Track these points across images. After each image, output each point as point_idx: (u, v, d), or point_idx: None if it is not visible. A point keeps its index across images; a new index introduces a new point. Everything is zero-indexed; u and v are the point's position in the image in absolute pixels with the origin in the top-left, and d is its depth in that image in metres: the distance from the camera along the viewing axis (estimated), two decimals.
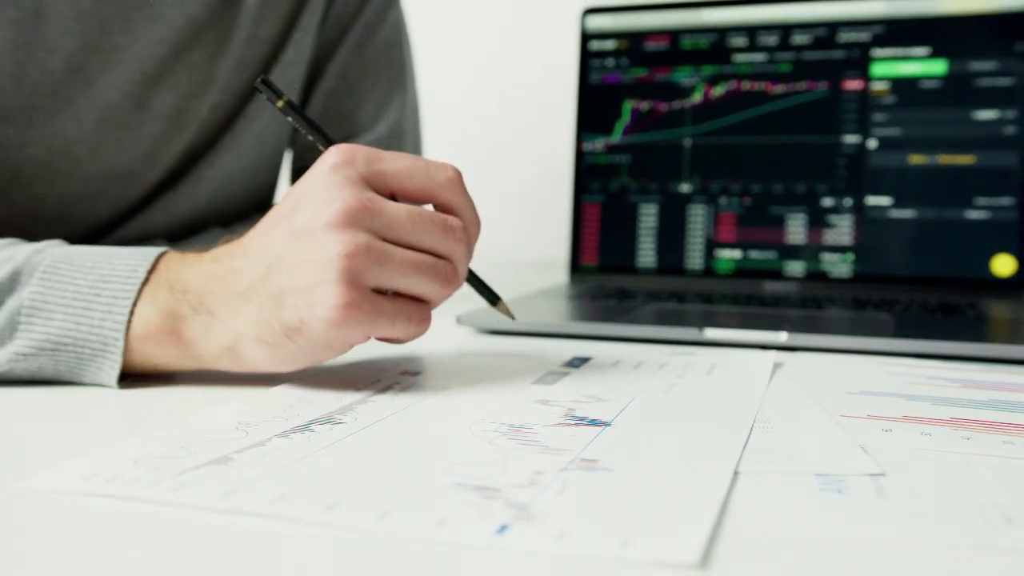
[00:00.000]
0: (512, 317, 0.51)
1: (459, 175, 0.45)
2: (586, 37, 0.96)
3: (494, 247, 1.23)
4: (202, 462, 0.31)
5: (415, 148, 0.83)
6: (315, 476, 0.30)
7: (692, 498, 0.28)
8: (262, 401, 0.41)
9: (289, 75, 0.72)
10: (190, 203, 0.69)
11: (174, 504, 0.28)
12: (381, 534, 0.25)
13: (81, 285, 0.43)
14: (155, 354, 0.43)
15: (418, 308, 0.43)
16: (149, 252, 0.44)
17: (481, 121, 1.33)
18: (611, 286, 0.86)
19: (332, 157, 0.42)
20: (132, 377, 0.44)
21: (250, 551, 0.25)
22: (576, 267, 0.94)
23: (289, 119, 0.48)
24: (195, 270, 0.43)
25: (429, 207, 0.45)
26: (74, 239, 0.50)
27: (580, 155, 0.95)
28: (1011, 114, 0.82)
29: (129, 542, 0.26)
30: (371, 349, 0.54)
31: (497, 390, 0.44)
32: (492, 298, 0.50)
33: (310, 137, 0.48)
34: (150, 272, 0.43)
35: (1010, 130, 0.83)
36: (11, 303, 0.43)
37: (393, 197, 0.43)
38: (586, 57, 0.96)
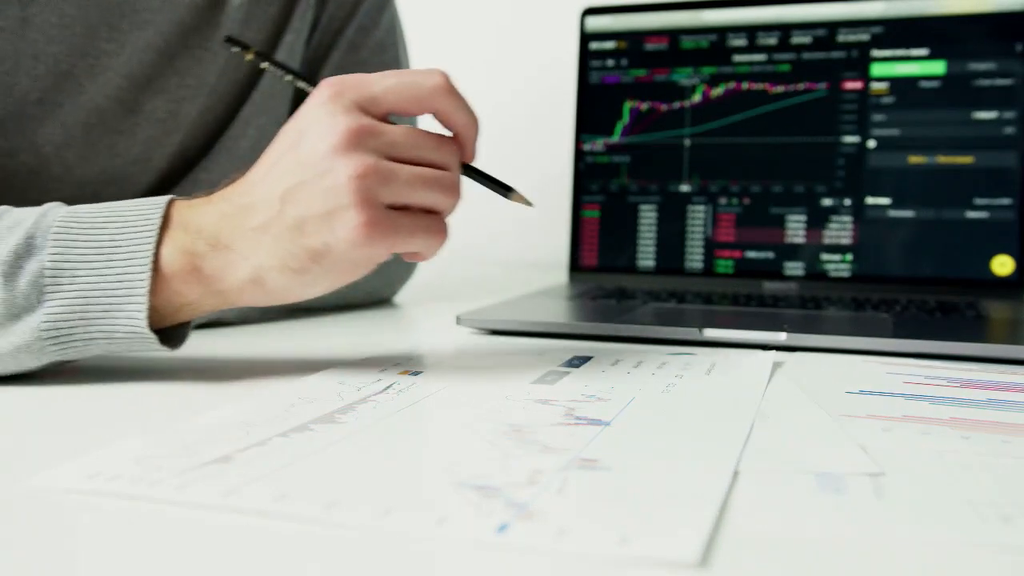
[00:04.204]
0: (529, 204, 0.50)
1: (447, 79, 0.45)
2: (586, 37, 0.96)
3: (494, 247, 1.23)
4: (204, 461, 0.31)
5: None
6: (316, 475, 0.30)
7: (691, 497, 0.28)
8: (263, 401, 0.41)
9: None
10: None
11: (176, 503, 0.28)
12: (381, 533, 0.26)
13: (101, 239, 0.43)
14: (179, 293, 0.44)
15: (433, 220, 0.45)
16: (158, 200, 0.45)
17: (481, 121, 1.32)
18: (611, 286, 0.86)
19: (323, 90, 0.44)
20: (177, 348, 0.45)
21: (251, 549, 0.25)
22: (576, 267, 0.94)
23: (265, 67, 0.49)
24: (205, 211, 0.45)
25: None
26: None
27: (580, 155, 0.95)
28: (1010, 114, 0.83)
29: (131, 541, 0.26)
30: (371, 349, 0.54)
31: (497, 390, 0.44)
32: (503, 189, 0.50)
33: (295, 83, 0.49)
34: (164, 218, 0.44)
35: (1009, 130, 0.83)
36: (32, 267, 0.43)
37: (387, 118, 0.45)
38: (586, 57, 0.96)
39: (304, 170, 0.42)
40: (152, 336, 0.43)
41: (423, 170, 0.44)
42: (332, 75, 0.76)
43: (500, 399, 0.42)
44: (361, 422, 0.37)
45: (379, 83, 0.44)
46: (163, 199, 0.45)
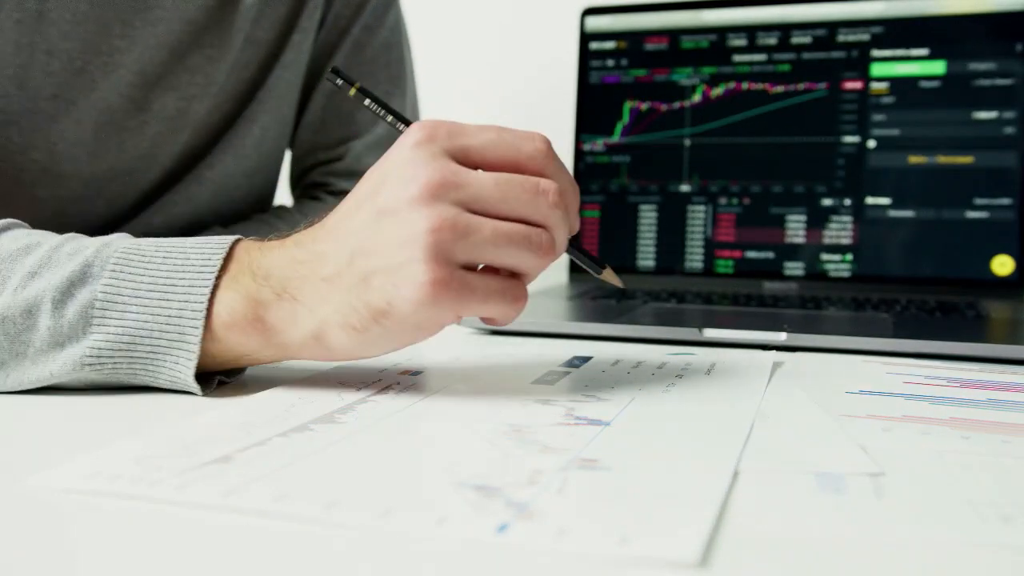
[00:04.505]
0: (621, 286, 0.48)
1: (548, 144, 0.42)
2: (586, 37, 0.96)
3: None
4: (204, 461, 0.31)
5: None
6: (316, 475, 0.30)
7: (691, 497, 0.28)
8: (263, 401, 0.41)
9: (288, 76, 0.72)
10: (189, 205, 0.69)
11: (176, 503, 0.28)
12: (381, 533, 0.26)
13: (156, 276, 0.41)
14: (240, 343, 0.41)
15: (512, 284, 0.41)
16: (223, 240, 0.42)
17: (481, 122, 1.32)
18: (611, 286, 0.86)
19: (414, 134, 0.41)
20: (216, 385, 0.43)
21: (251, 549, 0.25)
22: (576, 267, 0.94)
23: (368, 104, 0.46)
24: (276, 256, 0.42)
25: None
26: None
27: (580, 155, 0.95)
28: (1010, 114, 0.83)
29: (131, 541, 0.26)
30: None
31: (497, 390, 0.44)
32: (597, 266, 0.48)
33: (390, 122, 0.46)
34: (227, 259, 0.42)
35: (1009, 130, 0.83)
36: (83, 296, 0.40)
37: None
38: (586, 57, 0.96)
39: (380, 220, 0.39)
40: (196, 387, 0.41)
41: (510, 225, 0.39)
42: None
43: (500, 399, 0.42)
44: (361, 422, 0.37)
45: (475, 135, 0.41)
46: (228, 239, 0.42)
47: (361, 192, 0.41)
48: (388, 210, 0.39)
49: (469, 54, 1.34)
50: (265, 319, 0.41)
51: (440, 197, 0.38)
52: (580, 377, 0.47)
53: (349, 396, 0.42)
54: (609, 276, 0.48)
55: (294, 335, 0.41)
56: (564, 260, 0.95)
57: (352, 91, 0.46)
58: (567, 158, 0.96)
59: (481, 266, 0.41)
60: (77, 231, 0.65)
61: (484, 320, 0.42)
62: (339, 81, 0.46)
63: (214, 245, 0.42)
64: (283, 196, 0.83)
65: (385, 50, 0.78)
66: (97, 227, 0.66)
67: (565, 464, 0.31)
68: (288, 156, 0.82)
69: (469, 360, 0.53)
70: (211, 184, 0.70)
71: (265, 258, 0.42)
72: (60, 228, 0.64)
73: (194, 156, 0.69)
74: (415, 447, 0.35)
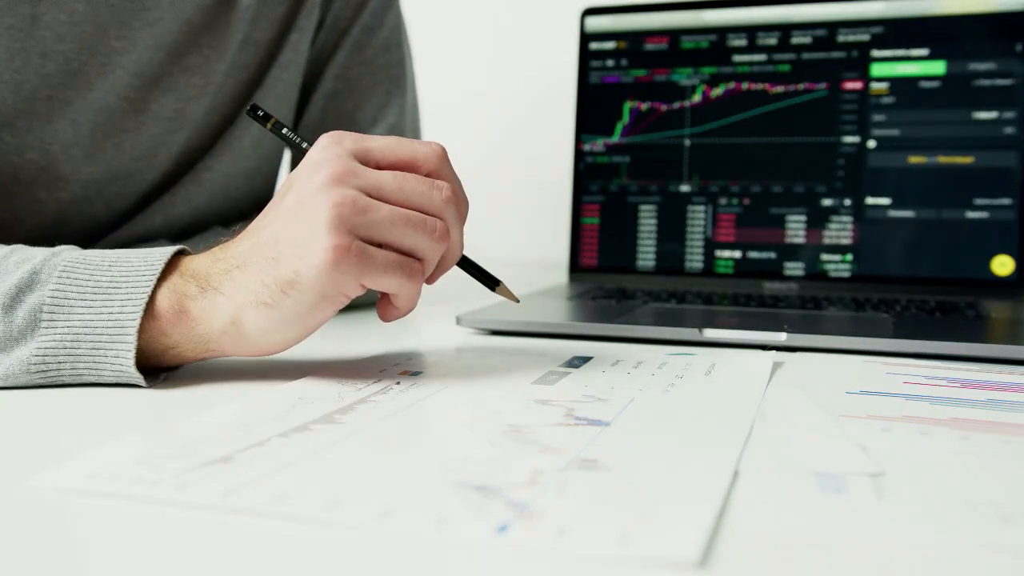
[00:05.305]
0: (515, 300, 0.51)
1: (444, 151, 0.46)
2: (586, 38, 0.96)
3: (494, 247, 1.23)
4: (203, 461, 0.31)
5: None
6: (315, 475, 0.30)
7: (691, 497, 0.28)
8: (263, 401, 0.41)
9: (286, 77, 0.72)
10: (188, 205, 0.69)
11: (176, 503, 0.28)
12: (381, 533, 0.26)
13: (100, 281, 0.44)
14: (165, 334, 0.43)
15: (410, 260, 0.44)
16: (166, 249, 0.45)
17: (481, 122, 1.33)
18: (611, 286, 0.86)
19: (322, 140, 0.45)
20: (163, 378, 0.45)
21: (251, 549, 0.25)
22: (576, 267, 0.94)
23: (285, 133, 0.51)
24: (203, 258, 0.45)
25: None
26: (72, 242, 0.50)
27: (580, 155, 0.95)
28: (1010, 114, 0.83)
29: (131, 541, 0.26)
30: (371, 349, 0.54)
31: (497, 390, 0.44)
32: (490, 282, 0.50)
33: (304, 148, 0.50)
34: (168, 266, 0.44)
35: (1009, 130, 0.83)
36: (32, 300, 0.43)
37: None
38: (586, 58, 0.96)
39: (290, 212, 0.43)
40: (139, 376, 0.43)
41: (407, 211, 0.44)
42: (337, 75, 0.76)
43: (500, 399, 0.42)
44: (361, 422, 0.37)
45: (376, 139, 0.45)
46: (171, 248, 0.45)
47: (277, 193, 0.46)
48: (296, 199, 0.43)
49: (469, 54, 1.34)
50: (189, 310, 0.43)
51: (344, 182, 0.43)
52: (580, 377, 0.47)
53: (349, 396, 0.42)
54: (504, 292, 0.51)
55: (214, 323, 0.43)
56: (564, 261, 0.95)
57: (268, 126, 0.51)
58: (567, 158, 0.96)
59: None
60: (79, 232, 0.65)
61: (385, 311, 0.46)
62: (260, 113, 0.51)
63: (157, 253, 0.45)
64: None
65: (385, 51, 0.78)
66: (98, 228, 0.66)
67: (565, 464, 0.31)
68: (288, 156, 0.82)
69: (469, 360, 0.53)
70: (210, 185, 0.70)
71: (193, 261, 0.45)
72: (61, 230, 0.64)
73: (192, 157, 0.69)
74: (415, 447, 0.35)
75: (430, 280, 0.47)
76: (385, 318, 0.47)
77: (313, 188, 0.42)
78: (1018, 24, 0.83)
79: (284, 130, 0.51)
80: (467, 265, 0.50)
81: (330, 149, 0.44)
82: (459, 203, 0.46)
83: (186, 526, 0.26)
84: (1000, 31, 0.83)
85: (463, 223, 0.47)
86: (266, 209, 0.45)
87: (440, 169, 0.46)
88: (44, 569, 0.24)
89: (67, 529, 0.26)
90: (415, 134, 0.83)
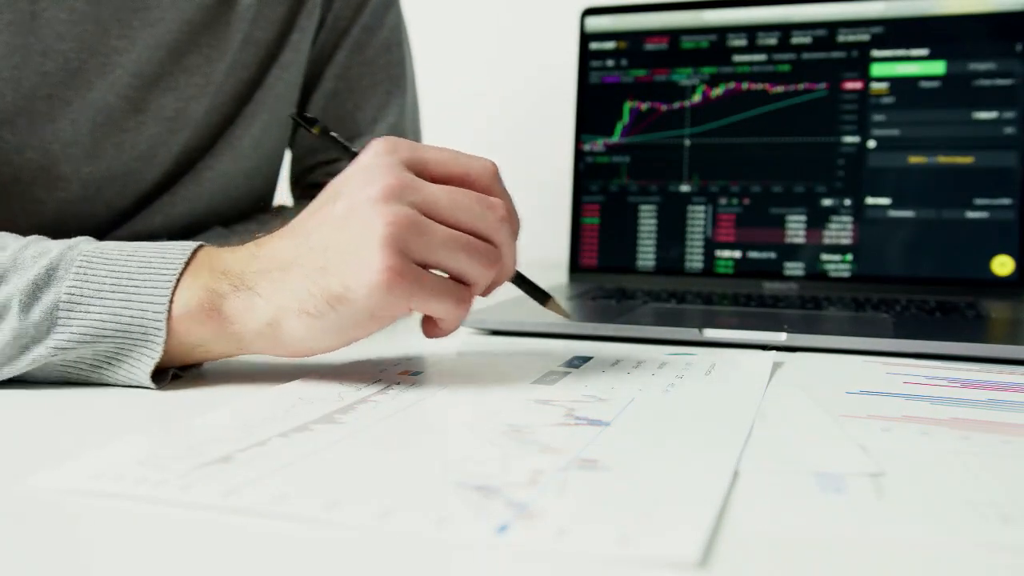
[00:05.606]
0: (567, 316, 0.50)
1: (496, 167, 0.45)
2: (586, 38, 0.96)
3: None
4: (205, 461, 0.31)
5: None
6: (316, 475, 0.30)
7: (692, 497, 0.28)
8: (263, 401, 0.41)
9: (287, 77, 0.72)
10: (188, 205, 0.69)
11: (177, 503, 0.28)
12: (381, 533, 0.26)
13: (120, 276, 0.43)
14: (193, 332, 0.42)
15: (460, 287, 0.44)
16: (185, 245, 0.44)
17: (481, 122, 1.33)
18: (611, 286, 0.86)
19: (375, 145, 0.43)
20: (175, 376, 0.45)
21: (251, 549, 0.25)
22: (576, 267, 0.94)
23: (335, 136, 0.49)
24: (235, 254, 0.44)
25: None
26: None
27: (580, 155, 0.95)
28: (1010, 114, 0.83)
29: (133, 541, 0.26)
30: (371, 349, 0.54)
31: (497, 390, 0.44)
32: (541, 297, 0.49)
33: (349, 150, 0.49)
34: (188, 262, 0.43)
35: (1009, 130, 0.83)
36: (48, 297, 0.42)
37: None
38: (586, 58, 0.96)
39: (340, 219, 0.42)
40: (151, 383, 0.43)
41: (462, 234, 0.42)
42: (338, 74, 0.77)
43: (500, 399, 0.42)
44: (361, 422, 0.37)
45: (431, 150, 0.44)
46: (191, 244, 0.44)
47: (324, 195, 0.44)
48: (348, 208, 0.42)
49: (469, 54, 1.34)
50: (221, 308, 0.42)
51: (398, 198, 0.41)
52: (580, 377, 0.47)
53: (349, 396, 0.42)
54: (554, 307, 0.50)
55: (249, 324, 0.42)
56: (564, 261, 0.95)
57: (315, 130, 0.49)
58: (567, 158, 0.96)
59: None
60: (77, 233, 0.65)
61: (429, 330, 0.46)
62: (306, 117, 0.49)
63: (176, 250, 0.44)
64: (285, 196, 0.83)
65: (385, 51, 0.78)
66: (98, 228, 0.66)
67: (565, 464, 0.31)
68: (288, 156, 0.82)
69: (469, 360, 0.53)
70: (210, 184, 0.70)
71: (224, 256, 0.44)
72: (61, 230, 0.64)
73: (193, 157, 0.69)
74: (415, 447, 0.35)
75: (483, 295, 0.46)
76: (428, 335, 0.47)
77: (366, 199, 0.41)
78: (1018, 24, 0.83)
79: (333, 134, 0.49)
80: (519, 280, 0.49)
81: (384, 157, 0.43)
82: (512, 221, 0.45)
83: (187, 526, 0.26)
84: (1000, 31, 0.83)
85: (516, 239, 0.46)
86: (311, 210, 0.44)
87: (492, 186, 0.45)
88: (46, 569, 0.24)
89: (70, 529, 0.26)
90: (415, 135, 0.83)
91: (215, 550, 0.25)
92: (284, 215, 0.75)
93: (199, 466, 0.31)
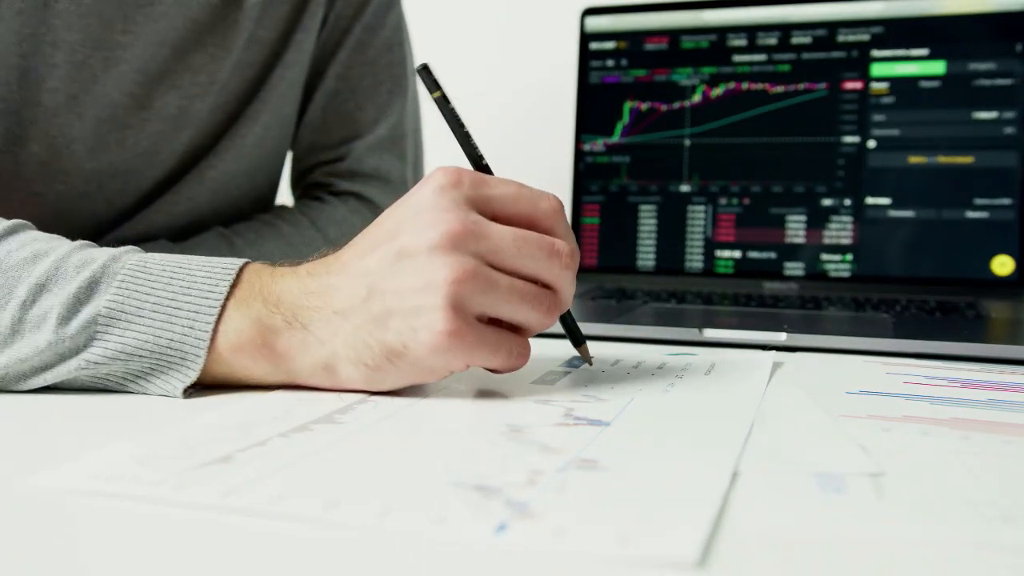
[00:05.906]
0: (590, 363, 0.49)
1: (561, 205, 0.44)
2: (586, 38, 0.96)
3: None
4: (204, 461, 0.31)
5: (415, 149, 0.83)
6: (315, 475, 0.30)
7: (691, 497, 0.28)
8: (263, 401, 0.41)
9: (290, 76, 0.72)
10: (190, 203, 0.69)
11: (177, 503, 0.28)
12: (381, 533, 0.26)
13: (161, 296, 0.41)
14: (246, 367, 0.42)
15: (519, 341, 0.42)
16: (230, 263, 0.43)
17: (481, 122, 1.32)
18: (611, 286, 0.86)
19: (439, 178, 0.41)
20: (195, 386, 0.43)
21: (251, 549, 0.25)
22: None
23: (452, 109, 0.47)
24: (289, 283, 0.42)
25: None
26: (73, 238, 0.50)
27: (580, 155, 0.95)
28: (1010, 114, 0.83)
29: (132, 541, 0.26)
30: None
31: (497, 390, 0.44)
32: (577, 339, 0.49)
33: (459, 137, 0.47)
34: (235, 283, 0.42)
35: (1009, 130, 0.83)
36: (88, 311, 0.41)
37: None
38: (586, 58, 0.96)
39: (399, 262, 0.40)
40: (180, 396, 0.42)
41: (525, 285, 0.41)
42: (339, 74, 0.77)
43: (500, 399, 0.42)
44: (361, 422, 0.37)
45: (497, 186, 0.42)
46: (237, 262, 0.43)
47: (380, 231, 0.42)
48: (408, 253, 0.40)
49: (469, 54, 1.34)
50: (275, 346, 0.41)
51: (461, 247, 0.39)
52: (580, 377, 0.47)
53: (349, 396, 0.42)
54: (584, 352, 0.49)
55: (304, 363, 0.41)
56: None
57: (435, 95, 0.46)
58: (567, 158, 0.96)
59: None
60: (79, 229, 0.65)
61: (485, 368, 0.43)
62: (431, 77, 0.47)
63: (221, 269, 0.42)
64: (284, 196, 0.83)
65: (387, 50, 0.78)
66: (98, 226, 0.66)
67: (564, 464, 0.31)
68: (289, 156, 0.82)
69: None
70: (212, 183, 0.70)
71: (276, 285, 0.42)
72: (61, 226, 0.64)
73: (195, 155, 0.69)
74: (415, 447, 0.35)
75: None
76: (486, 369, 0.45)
77: (428, 247, 0.39)
78: (1018, 24, 0.83)
79: (452, 107, 0.47)
80: (565, 317, 0.48)
81: (447, 194, 0.40)
82: (574, 264, 0.43)
83: (186, 526, 0.26)
84: (1000, 31, 0.83)
85: (575, 279, 0.44)
86: (367, 245, 0.42)
87: (557, 226, 0.43)
88: (46, 569, 0.24)
89: (69, 528, 0.26)
90: (416, 134, 0.83)
91: (215, 550, 0.25)
92: (285, 216, 0.75)
93: (199, 466, 0.31)
